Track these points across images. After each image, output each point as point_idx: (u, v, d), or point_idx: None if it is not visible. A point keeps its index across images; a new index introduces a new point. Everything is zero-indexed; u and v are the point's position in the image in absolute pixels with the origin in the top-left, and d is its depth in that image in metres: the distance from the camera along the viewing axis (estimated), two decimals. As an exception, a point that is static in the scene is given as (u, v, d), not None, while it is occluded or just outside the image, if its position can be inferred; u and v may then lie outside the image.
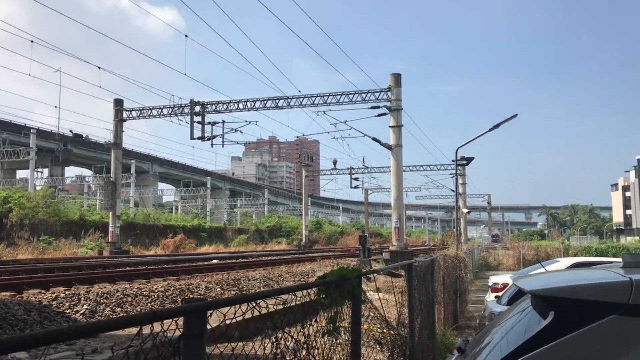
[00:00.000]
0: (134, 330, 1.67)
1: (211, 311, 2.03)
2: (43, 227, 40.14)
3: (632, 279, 2.53)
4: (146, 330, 1.73)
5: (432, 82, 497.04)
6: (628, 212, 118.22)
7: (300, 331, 3.15)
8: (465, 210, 47.45)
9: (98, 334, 1.41)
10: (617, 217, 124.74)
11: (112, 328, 1.49)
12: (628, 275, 2.63)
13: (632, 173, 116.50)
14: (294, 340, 3.05)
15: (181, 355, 1.92)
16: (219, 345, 2.39)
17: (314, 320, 3.44)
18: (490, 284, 13.22)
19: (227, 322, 2.32)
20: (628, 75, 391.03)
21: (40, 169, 70.84)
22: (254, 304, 2.44)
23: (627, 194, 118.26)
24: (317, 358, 3.39)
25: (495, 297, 10.79)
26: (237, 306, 2.28)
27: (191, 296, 14.11)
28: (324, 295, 3.52)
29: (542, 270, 10.03)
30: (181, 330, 1.94)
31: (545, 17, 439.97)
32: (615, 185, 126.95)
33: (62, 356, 7.32)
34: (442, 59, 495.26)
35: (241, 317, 2.40)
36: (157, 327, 1.82)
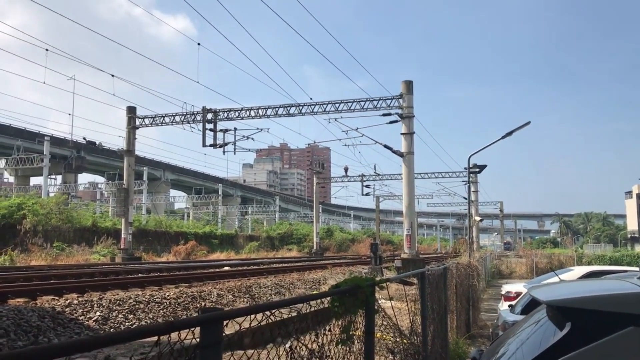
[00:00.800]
0: (135, 340, 1.68)
1: (227, 321, 2.04)
2: (56, 234, 40.42)
3: (650, 290, 2.51)
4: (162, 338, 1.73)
5: (444, 89, 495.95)
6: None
7: (314, 340, 3.14)
8: (477, 218, 47.21)
9: (118, 345, 1.42)
10: (632, 225, 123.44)
11: (132, 338, 1.50)
12: (646, 286, 2.61)
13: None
14: (307, 350, 3.05)
15: (198, 365, 1.93)
16: (234, 353, 2.39)
17: (327, 329, 3.44)
18: (503, 292, 13.13)
19: (241, 329, 2.33)
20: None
21: (53, 176, 71.50)
22: (269, 314, 2.44)
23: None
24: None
25: (509, 306, 10.71)
26: (253, 316, 2.29)
27: (203, 303, 14.14)
28: (337, 304, 3.51)
29: (556, 279, 9.96)
30: (197, 339, 1.94)
31: (558, 23, 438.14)
32: (629, 193, 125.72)
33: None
34: (454, 67, 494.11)
35: (256, 325, 2.40)
36: (173, 335, 1.83)
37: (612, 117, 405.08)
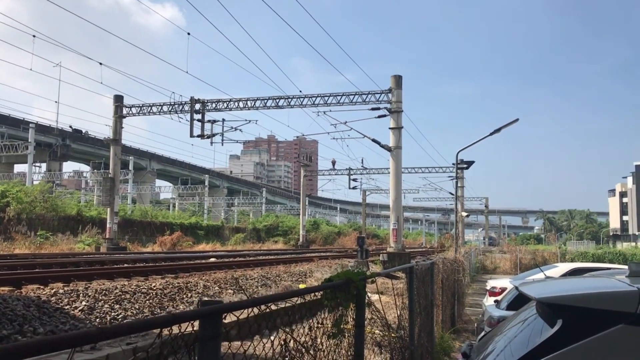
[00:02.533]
0: (152, 328, 1.68)
1: (226, 314, 2.05)
2: (40, 222, 40.08)
3: (639, 289, 2.55)
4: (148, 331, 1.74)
5: (433, 85, 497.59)
6: (625, 217, 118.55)
7: (307, 334, 3.17)
8: (464, 214, 47.50)
9: (122, 336, 1.44)
10: (614, 222, 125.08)
11: (138, 330, 1.51)
12: (635, 284, 2.65)
13: (630, 179, 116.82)
14: (300, 344, 3.07)
15: (196, 357, 1.94)
16: (231, 345, 2.41)
17: (319, 322, 3.46)
18: (488, 287, 13.24)
19: (235, 320, 2.35)
20: (627, 81, 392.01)
21: (38, 164, 70.75)
22: (266, 307, 2.46)
23: (624, 199, 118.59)
24: (322, 360, 3.41)
25: (494, 301, 10.81)
26: (250, 309, 2.30)
27: (190, 294, 14.11)
28: (330, 298, 3.54)
29: (540, 275, 10.08)
30: (195, 330, 1.96)
31: (546, 23, 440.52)
32: (612, 191, 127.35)
33: (60, 352, 7.33)
34: (444, 63, 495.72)
35: (252, 317, 2.42)
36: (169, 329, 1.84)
37: (597, 116, 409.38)
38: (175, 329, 1.88)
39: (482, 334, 7.02)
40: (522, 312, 3.54)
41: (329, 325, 3.58)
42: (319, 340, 3.35)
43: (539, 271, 11.02)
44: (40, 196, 42.35)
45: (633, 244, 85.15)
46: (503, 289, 11.73)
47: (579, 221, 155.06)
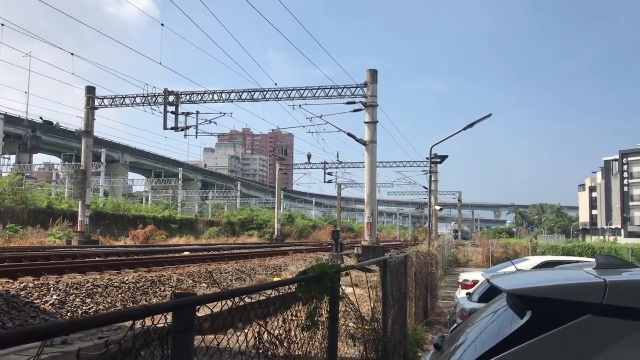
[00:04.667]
0: (124, 320, 1.67)
1: (199, 306, 2.05)
2: (9, 215, 39.32)
3: (606, 280, 2.62)
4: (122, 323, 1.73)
5: (407, 80, 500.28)
6: (594, 212, 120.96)
7: (281, 326, 3.17)
8: (437, 208, 47.96)
9: (93, 328, 1.42)
10: (584, 216, 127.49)
11: (110, 322, 1.50)
12: (602, 276, 2.72)
13: (599, 174, 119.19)
14: (274, 336, 3.08)
15: (169, 349, 1.93)
16: (204, 338, 2.40)
17: (294, 315, 3.47)
18: (460, 280, 13.39)
19: (209, 314, 2.34)
20: (595, 78, 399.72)
21: (7, 156, 69.35)
22: (239, 299, 2.46)
23: (594, 194, 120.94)
24: (296, 352, 3.42)
25: (466, 293, 10.95)
26: (224, 301, 2.30)
27: (162, 288, 14.01)
28: (304, 290, 3.55)
29: (512, 268, 10.24)
30: (168, 323, 1.95)
31: (517, 22, 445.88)
32: (582, 186, 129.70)
33: (30, 346, 7.22)
34: (418, 59, 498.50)
35: (225, 310, 2.42)
36: (139, 321, 1.83)
37: (568, 112, 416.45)
38: (148, 322, 1.87)
39: (454, 325, 7.12)
40: (492, 304, 3.60)
41: (303, 318, 3.59)
42: (292, 332, 3.36)
43: (510, 264, 11.19)
44: (9, 188, 41.55)
45: (601, 237, 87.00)
46: (475, 282, 11.89)
47: (549, 215, 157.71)
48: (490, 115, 22.98)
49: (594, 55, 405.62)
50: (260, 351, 2.83)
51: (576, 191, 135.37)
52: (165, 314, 1.91)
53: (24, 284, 12.07)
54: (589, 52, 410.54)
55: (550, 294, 2.65)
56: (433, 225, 41.57)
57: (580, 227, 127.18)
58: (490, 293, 8.30)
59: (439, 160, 30.80)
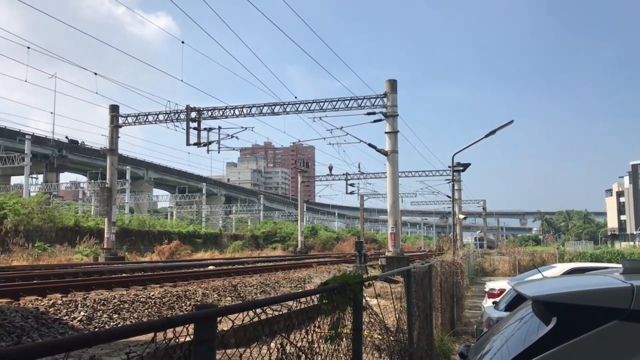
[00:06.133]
0: (131, 337, 1.69)
1: (220, 317, 2.06)
2: (38, 234, 39.98)
3: (633, 285, 2.57)
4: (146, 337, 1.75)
5: (428, 89, 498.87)
6: (622, 217, 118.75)
7: (304, 337, 3.17)
8: (461, 217, 47.55)
9: (116, 340, 1.43)
10: (612, 222, 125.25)
11: (131, 334, 1.52)
12: (629, 281, 2.67)
13: (626, 179, 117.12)
14: (296, 347, 3.08)
15: (192, 361, 1.95)
16: (225, 351, 2.41)
17: (316, 326, 3.46)
18: (487, 289, 13.24)
19: (233, 327, 2.36)
20: (620, 81, 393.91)
21: (35, 175, 70.64)
22: (261, 310, 2.47)
23: (622, 199, 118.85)
24: (320, 364, 3.41)
25: (493, 302, 10.81)
26: (245, 312, 2.31)
27: (188, 302, 14.10)
28: (326, 301, 3.55)
29: (539, 276, 10.08)
30: (191, 336, 1.96)
31: (538, 24, 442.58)
32: (609, 191, 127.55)
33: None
34: (438, 67, 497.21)
35: (248, 322, 2.43)
36: (161, 334, 1.84)
37: (593, 117, 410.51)
38: (170, 335, 1.89)
39: (481, 335, 7.03)
40: (518, 312, 3.56)
41: (326, 329, 3.58)
42: (316, 344, 3.35)
43: (537, 272, 11.02)
44: (37, 208, 42.25)
45: (631, 243, 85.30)
46: (502, 291, 11.73)
47: (576, 222, 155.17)
48: (512, 122, 22.80)
49: (619, 54, 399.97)
50: (284, 362, 2.83)
51: (603, 196, 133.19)
52: (187, 326, 1.93)
53: (52, 301, 12.25)
54: (614, 51, 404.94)
55: (576, 300, 2.61)
56: (458, 234, 41.19)
57: (609, 233, 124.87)
58: (516, 301, 8.17)
59: (461, 168, 30.59)
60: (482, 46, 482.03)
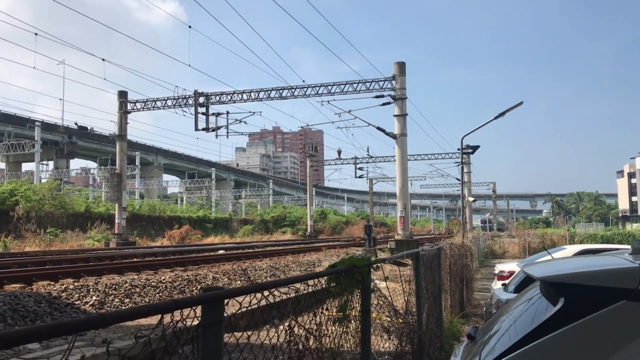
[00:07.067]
0: (142, 321, 1.71)
1: (227, 300, 2.07)
2: (49, 220, 40.36)
3: (641, 265, 2.56)
4: (156, 319, 1.76)
5: (437, 72, 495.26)
6: (634, 198, 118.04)
7: (312, 320, 3.19)
8: (470, 199, 47.41)
9: (124, 322, 1.45)
10: (623, 204, 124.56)
11: (138, 316, 1.53)
12: (637, 261, 2.66)
13: (638, 160, 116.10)
14: (305, 329, 3.10)
15: (199, 343, 1.97)
16: (235, 333, 2.43)
17: (324, 308, 3.48)
18: (496, 271, 13.23)
19: (241, 309, 2.37)
20: (634, 62, 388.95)
21: (45, 162, 71.10)
22: (268, 293, 2.48)
23: (633, 180, 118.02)
24: (328, 345, 3.44)
25: (502, 284, 10.81)
26: (252, 295, 2.32)
27: (199, 286, 14.21)
28: (334, 284, 3.56)
29: (549, 257, 10.07)
30: (199, 318, 1.98)
31: (548, 5, 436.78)
32: (620, 172, 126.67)
33: (75, 346, 7.41)
34: (447, 50, 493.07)
35: (256, 306, 2.44)
36: (170, 317, 1.86)
37: (603, 97, 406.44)
38: (177, 317, 1.91)
39: (489, 316, 7.04)
40: (526, 293, 3.56)
41: (334, 311, 3.60)
42: (324, 326, 3.37)
43: (547, 254, 11.00)
44: (48, 194, 42.60)
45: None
46: (511, 273, 11.72)
47: (587, 203, 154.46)
48: (521, 103, 22.60)
49: (631, 35, 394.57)
50: (292, 345, 2.85)
51: (614, 178, 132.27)
52: (194, 308, 1.95)
53: (64, 285, 12.39)
54: (625, 32, 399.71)
55: (583, 280, 2.60)
56: (467, 217, 41.12)
57: (620, 215, 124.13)
58: (525, 283, 8.17)
59: (470, 150, 30.44)
60: (492, 28, 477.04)
